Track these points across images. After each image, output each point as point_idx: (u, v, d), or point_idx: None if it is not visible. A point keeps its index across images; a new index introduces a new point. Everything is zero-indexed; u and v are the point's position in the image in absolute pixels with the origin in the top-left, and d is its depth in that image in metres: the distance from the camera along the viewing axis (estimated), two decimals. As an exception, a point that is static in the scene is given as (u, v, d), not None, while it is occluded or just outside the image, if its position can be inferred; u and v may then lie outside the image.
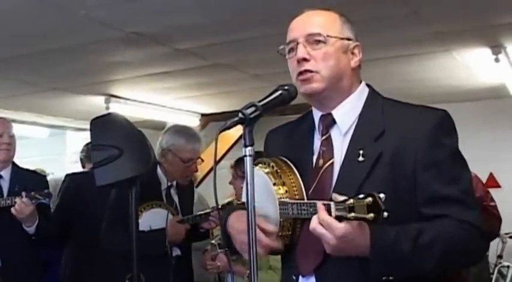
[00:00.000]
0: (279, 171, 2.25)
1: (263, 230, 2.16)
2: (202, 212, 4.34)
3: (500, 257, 7.45)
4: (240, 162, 4.94)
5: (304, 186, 2.22)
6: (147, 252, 3.33)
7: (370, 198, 1.83)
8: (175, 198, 4.31)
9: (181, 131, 4.35)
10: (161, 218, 4.12)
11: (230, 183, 5.39)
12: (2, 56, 5.47)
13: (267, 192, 2.20)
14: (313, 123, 2.37)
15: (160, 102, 8.21)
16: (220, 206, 2.27)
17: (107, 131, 3.31)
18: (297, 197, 2.20)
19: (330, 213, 1.93)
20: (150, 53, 5.55)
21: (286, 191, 2.20)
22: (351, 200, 1.87)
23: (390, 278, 2.01)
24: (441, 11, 4.64)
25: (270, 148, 2.52)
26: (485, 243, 2.20)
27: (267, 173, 2.25)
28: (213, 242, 4.55)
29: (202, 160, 4.36)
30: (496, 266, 7.29)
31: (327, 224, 1.93)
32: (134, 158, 3.23)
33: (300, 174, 2.25)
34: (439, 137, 2.14)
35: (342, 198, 1.93)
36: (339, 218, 1.91)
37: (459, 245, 2.08)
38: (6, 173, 4.47)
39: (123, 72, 6.44)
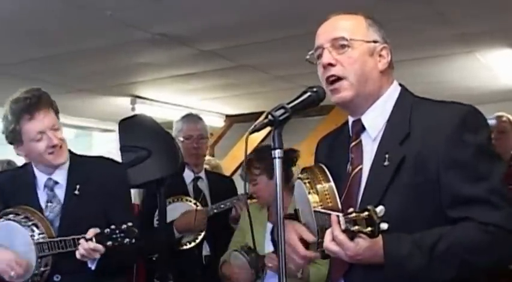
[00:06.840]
0: (314, 179, 2.22)
1: (302, 240, 2.19)
2: (226, 201, 4.30)
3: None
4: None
5: (338, 193, 2.19)
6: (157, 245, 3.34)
7: (366, 213, 1.82)
8: (205, 190, 4.35)
9: (182, 116, 4.58)
10: (179, 211, 4.15)
11: None
12: (29, 57, 5.51)
13: (305, 200, 2.19)
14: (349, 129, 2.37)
15: (186, 103, 8.25)
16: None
17: (135, 133, 3.35)
18: (330, 204, 2.16)
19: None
20: (175, 54, 5.58)
21: (320, 199, 2.18)
22: (353, 214, 1.86)
23: None
24: (465, 12, 4.62)
25: (317, 156, 2.50)
26: None
27: (304, 183, 2.22)
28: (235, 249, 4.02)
29: (211, 134, 4.47)
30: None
31: (339, 242, 1.94)
32: (162, 159, 3.27)
33: (335, 181, 2.21)
34: (461, 135, 2.06)
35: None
36: (348, 231, 1.91)
37: (482, 250, 2.01)
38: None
39: (149, 74, 6.49)
